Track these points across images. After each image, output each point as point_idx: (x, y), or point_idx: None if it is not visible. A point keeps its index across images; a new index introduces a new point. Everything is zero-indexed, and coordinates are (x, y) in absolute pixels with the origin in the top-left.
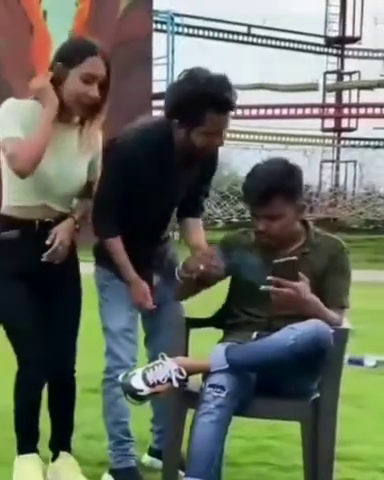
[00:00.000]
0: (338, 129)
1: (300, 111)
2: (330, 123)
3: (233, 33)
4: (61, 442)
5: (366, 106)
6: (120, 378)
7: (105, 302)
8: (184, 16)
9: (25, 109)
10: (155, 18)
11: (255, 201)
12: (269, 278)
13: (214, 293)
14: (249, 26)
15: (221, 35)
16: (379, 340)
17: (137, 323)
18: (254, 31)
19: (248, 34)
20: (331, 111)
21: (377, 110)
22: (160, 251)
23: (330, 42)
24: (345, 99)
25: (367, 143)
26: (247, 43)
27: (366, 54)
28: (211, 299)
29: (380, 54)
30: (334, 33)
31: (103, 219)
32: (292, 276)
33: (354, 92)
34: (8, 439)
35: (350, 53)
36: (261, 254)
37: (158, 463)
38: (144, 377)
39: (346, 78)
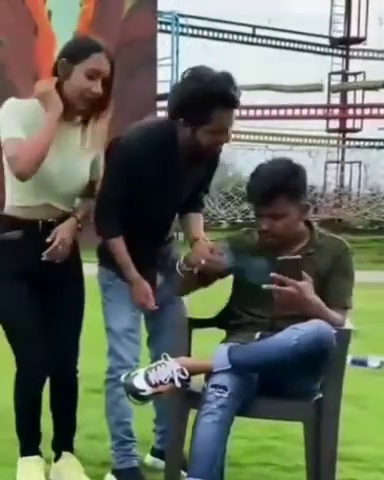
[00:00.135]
0: (343, 130)
1: (305, 112)
2: (335, 124)
3: (238, 34)
4: (64, 442)
5: (371, 107)
6: (122, 378)
7: (108, 302)
8: (188, 17)
9: (27, 109)
10: (159, 19)
11: (259, 200)
12: (272, 275)
13: (217, 294)
14: (254, 27)
15: (226, 36)
16: (383, 341)
17: (140, 323)
18: (259, 32)
19: (253, 35)
20: (336, 112)
21: (382, 111)
22: (164, 251)
23: (335, 43)
24: (350, 100)
25: (372, 144)
26: (252, 44)
27: (371, 55)
28: (214, 300)
29: None
30: (339, 34)
31: (105, 219)
32: (296, 275)
33: (359, 93)
34: (11, 440)
35: (355, 54)
36: (264, 254)
37: (160, 463)
38: (146, 377)
39: (351, 79)
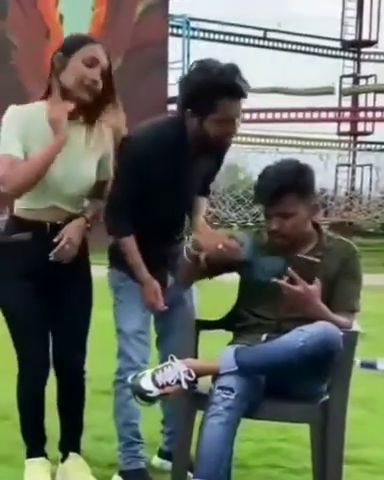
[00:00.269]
0: (354, 133)
1: (316, 115)
2: (346, 127)
3: (249, 37)
4: (70, 443)
5: (382, 110)
6: (129, 379)
7: (119, 303)
8: (199, 20)
9: (26, 114)
10: (171, 22)
11: (267, 199)
12: (289, 270)
13: (224, 296)
14: (265, 30)
15: (237, 39)
16: None
17: (150, 325)
18: (270, 35)
19: (264, 38)
20: (347, 115)
21: None
22: (175, 251)
23: (346, 46)
24: (361, 103)
25: (383, 147)
26: (263, 47)
27: (383, 58)
28: (221, 302)
29: None
30: (350, 36)
31: (116, 218)
32: (308, 277)
33: (370, 96)
34: (19, 441)
35: (366, 57)
36: (275, 254)
37: (168, 465)
38: (153, 378)
39: (362, 82)
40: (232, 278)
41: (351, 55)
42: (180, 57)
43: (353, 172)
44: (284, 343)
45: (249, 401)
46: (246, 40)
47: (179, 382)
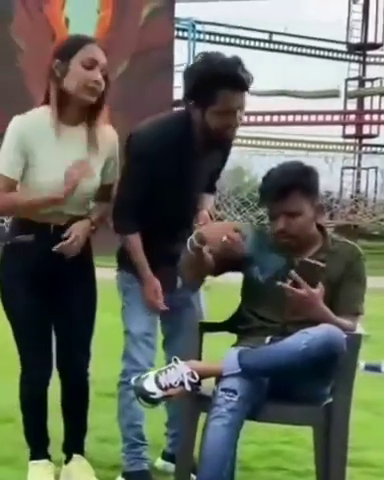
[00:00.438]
0: (359, 136)
1: (321, 118)
2: (351, 130)
3: (254, 40)
4: (74, 445)
5: None
6: (132, 381)
7: (127, 305)
8: (205, 23)
9: (27, 123)
10: (177, 25)
11: (274, 197)
12: (292, 273)
13: (229, 299)
14: (270, 33)
15: (242, 42)
16: None
17: (157, 327)
18: (275, 38)
19: (269, 41)
20: (352, 118)
21: None
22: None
23: (352, 48)
24: (367, 106)
25: None
26: (268, 50)
27: None
28: (227, 304)
29: None
30: (356, 39)
31: (123, 215)
32: (311, 280)
33: (376, 99)
34: (22, 443)
35: (372, 59)
36: (280, 253)
37: (171, 467)
38: (157, 380)
39: (368, 84)
40: (239, 280)
41: (356, 58)
42: (186, 60)
43: (358, 175)
44: (288, 345)
45: (252, 403)
46: (252, 43)
47: (182, 384)
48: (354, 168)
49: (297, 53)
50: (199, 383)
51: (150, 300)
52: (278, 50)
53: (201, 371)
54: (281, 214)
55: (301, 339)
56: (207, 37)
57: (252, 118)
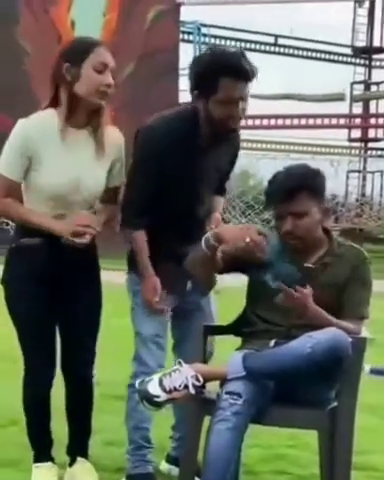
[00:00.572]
0: (365, 139)
1: (327, 121)
2: (357, 133)
3: (260, 43)
4: (78, 447)
5: None
6: (137, 384)
7: (137, 307)
8: (211, 26)
9: (32, 126)
10: (182, 28)
11: (281, 198)
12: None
13: (240, 303)
14: (276, 36)
15: (248, 45)
16: None
17: (167, 329)
18: (281, 41)
19: (275, 44)
20: (358, 121)
21: None
22: None
23: (357, 52)
24: (372, 109)
25: None
26: (274, 53)
27: None
28: (237, 308)
29: None
30: (361, 43)
31: (131, 210)
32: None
33: (381, 102)
34: (27, 445)
35: (377, 63)
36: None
37: (175, 470)
38: (161, 383)
39: (373, 88)
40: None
41: (362, 62)
42: None
43: (364, 178)
44: (292, 349)
45: (257, 407)
46: (257, 46)
47: (187, 387)
48: (359, 171)
49: (303, 57)
50: (203, 386)
51: (147, 300)
52: (284, 53)
53: (205, 374)
54: (288, 215)
55: (306, 342)
56: (212, 40)
57: (258, 121)
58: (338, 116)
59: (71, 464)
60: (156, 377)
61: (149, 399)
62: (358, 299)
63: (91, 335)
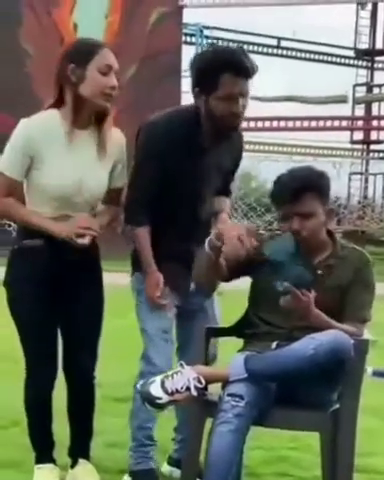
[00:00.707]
0: (367, 141)
1: (329, 123)
2: (359, 135)
3: (262, 45)
4: (80, 449)
5: None
6: (138, 386)
7: (141, 304)
8: (213, 29)
9: (35, 126)
10: (184, 31)
11: (287, 199)
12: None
13: (244, 304)
14: (278, 38)
15: (250, 47)
16: None
17: (173, 325)
18: (283, 43)
19: (277, 46)
20: (360, 123)
21: None
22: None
23: (360, 54)
24: (374, 111)
25: None
26: (276, 55)
27: None
28: (241, 310)
29: None
30: (364, 45)
31: (134, 207)
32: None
33: None
34: (29, 447)
35: (380, 65)
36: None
37: (177, 473)
38: (163, 385)
39: (376, 90)
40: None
41: (364, 64)
42: None
43: (366, 180)
44: (295, 351)
45: (259, 409)
46: (260, 48)
47: (189, 389)
48: (362, 174)
49: (305, 59)
50: (205, 388)
51: (150, 295)
52: (286, 56)
53: (207, 376)
54: (294, 216)
55: (308, 344)
56: (215, 42)
57: (260, 123)
58: (340, 118)
59: (73, 466)
60: (158, 379)
61: (151, 401)
62: (360, 302)
63: (92, 336)
